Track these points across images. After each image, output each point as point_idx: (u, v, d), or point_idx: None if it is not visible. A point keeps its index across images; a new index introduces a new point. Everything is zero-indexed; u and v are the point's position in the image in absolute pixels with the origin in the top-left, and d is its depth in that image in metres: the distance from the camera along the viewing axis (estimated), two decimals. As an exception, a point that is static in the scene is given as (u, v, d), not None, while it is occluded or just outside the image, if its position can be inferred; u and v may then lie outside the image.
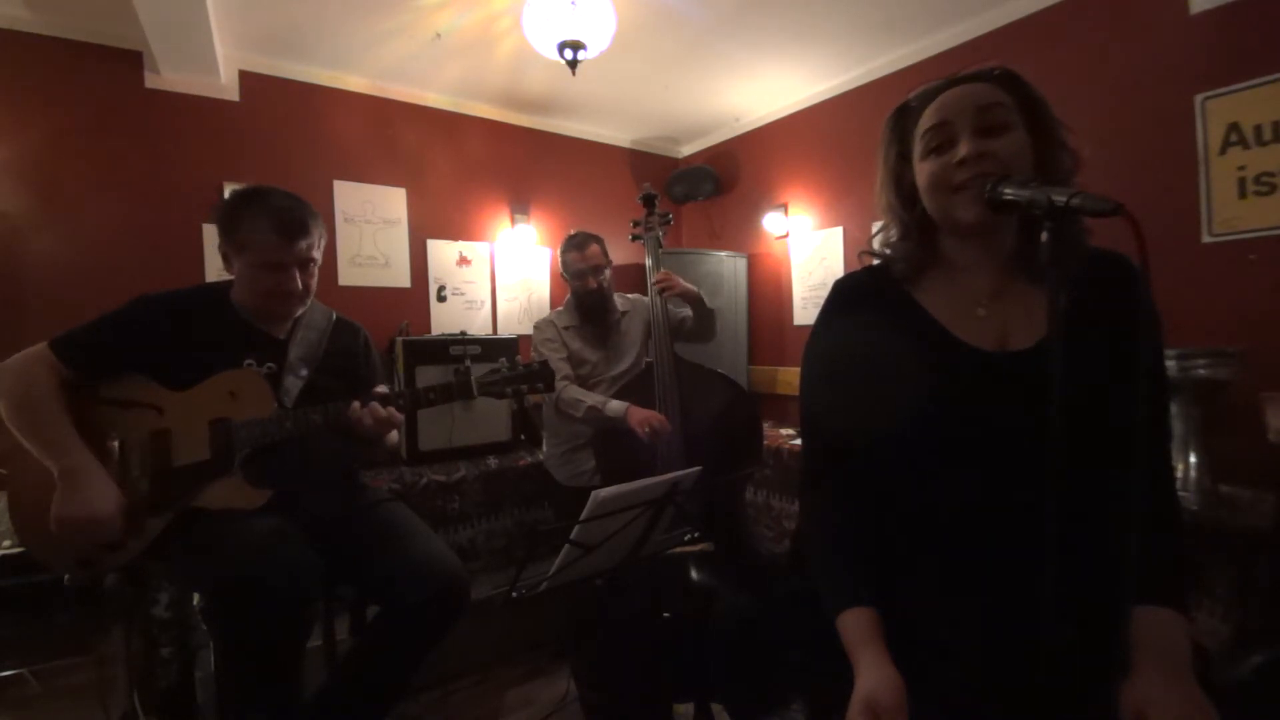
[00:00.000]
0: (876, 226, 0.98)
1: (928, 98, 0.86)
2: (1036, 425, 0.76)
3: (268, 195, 1.32)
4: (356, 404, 1.30)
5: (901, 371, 0.85)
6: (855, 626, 0.80)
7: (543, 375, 1.43)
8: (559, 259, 2.15)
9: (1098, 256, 0.82)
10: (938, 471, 0.83)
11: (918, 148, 0.86)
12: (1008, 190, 0.71)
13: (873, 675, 0.74)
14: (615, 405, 1.85)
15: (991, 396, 0.81)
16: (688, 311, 2.04)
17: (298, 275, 1.33)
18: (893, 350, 0.86)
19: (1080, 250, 0.81)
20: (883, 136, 0.93)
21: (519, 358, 1.53)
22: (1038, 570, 0.64)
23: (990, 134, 0.79)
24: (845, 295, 0.95)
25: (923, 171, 0.85)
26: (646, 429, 1.77)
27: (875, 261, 0.96)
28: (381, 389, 1.39)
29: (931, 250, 0.90)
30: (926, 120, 0.84)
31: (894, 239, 0.93)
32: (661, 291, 1.92)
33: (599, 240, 2.10)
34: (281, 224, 1.28)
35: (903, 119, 0.90)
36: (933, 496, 0.83)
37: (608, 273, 2.09)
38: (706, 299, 2.04)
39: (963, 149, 0.79)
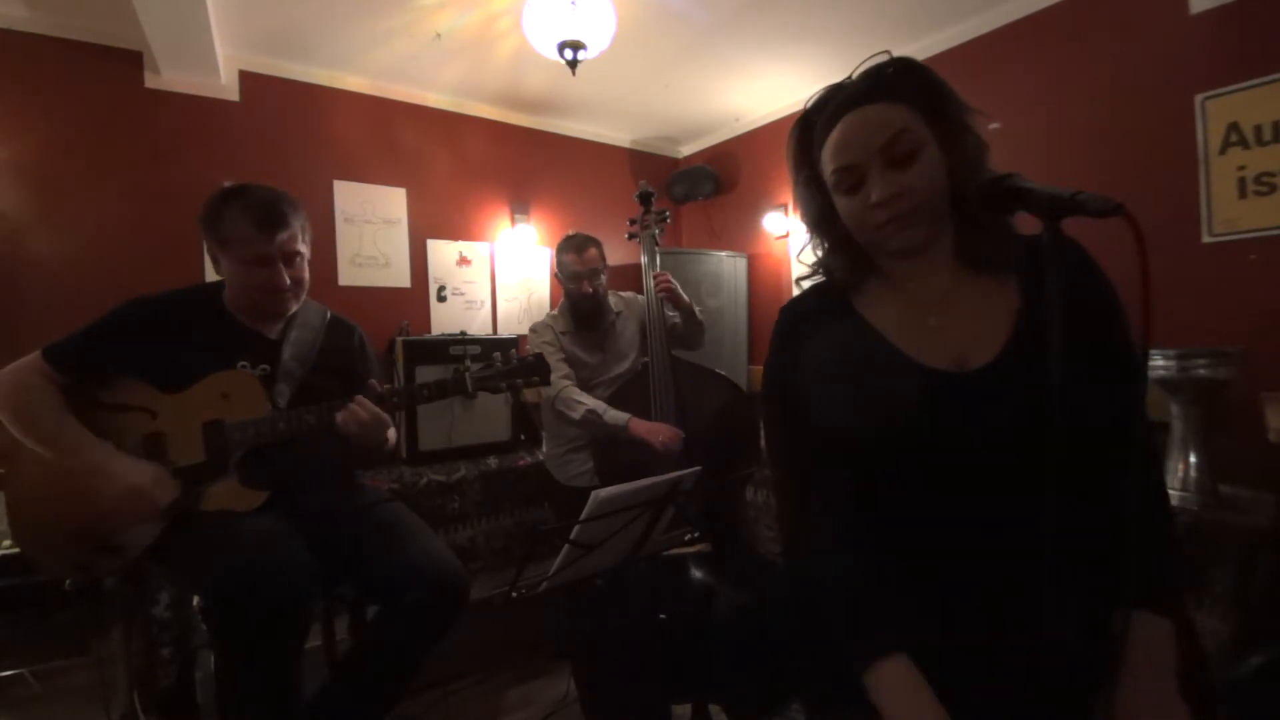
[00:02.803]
0: (805, 240, 0.92)
1: (830, 120, 0.80)
2: (1005, 440, 0.73)
3: (246, 191, 1.31)
4: (341, 417, 1.28)
5: (859, 398, 0.80)
6: (897, 690, 0.70)
7: (538, 368, 1.42)
8: (555, 259, 2.15)
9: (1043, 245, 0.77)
10: (909, 493, 0.79)
11: (829, 181, 0.82)
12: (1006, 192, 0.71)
13: None
14: (615, 414, 1.84)
15: (954, 419, 0.76)
16: (677, 319, 2.04)
17: (283, 269, 1.31)
18: (847, 375, 0.81)
19: (1014, 242, 0.78)
20: (788, 153, 0.87)
21: (514, 352, 1.52)
22: (1028, 582, 0.62)
23: (900, 165, 0.75)
24: (793, 320, 0.90)
25: (840, 207, 0.82)
26: (660, 437, 1.75)
27: (816, 279, 0.91)
28: (374, 385, 1.35)
29: (868, 260, 0.85)
30: (832, 158, 0.80)
31: (825, 252, 0.89)
32: (659, 291, 1.92)
33: (597, 244, 2.09)
34: (259, 217, 1.26)
35: (806, 136, 0.84)
36: (907, 517, 0.79)
37: (603, 277, 2.08)
38: (701, 308, 2.05)
39: (875, 194, 0.76)
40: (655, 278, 1.95)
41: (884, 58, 0.79)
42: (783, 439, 0.90)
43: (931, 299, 0.81)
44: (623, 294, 2.23)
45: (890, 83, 0.77)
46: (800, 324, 0.89)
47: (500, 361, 1.41)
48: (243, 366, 1.33)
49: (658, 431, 1.76)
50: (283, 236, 1.29)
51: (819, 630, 0.82)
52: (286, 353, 1.39)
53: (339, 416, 1.28)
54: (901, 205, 0.76)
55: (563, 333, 2.09)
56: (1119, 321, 0.77)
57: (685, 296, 2.00)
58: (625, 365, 2.11)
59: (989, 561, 0.75)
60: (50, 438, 1.20)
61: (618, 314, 2.15)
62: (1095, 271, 0.79)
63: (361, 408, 1.29)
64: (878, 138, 0.76)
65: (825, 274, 0.90)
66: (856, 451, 0.80)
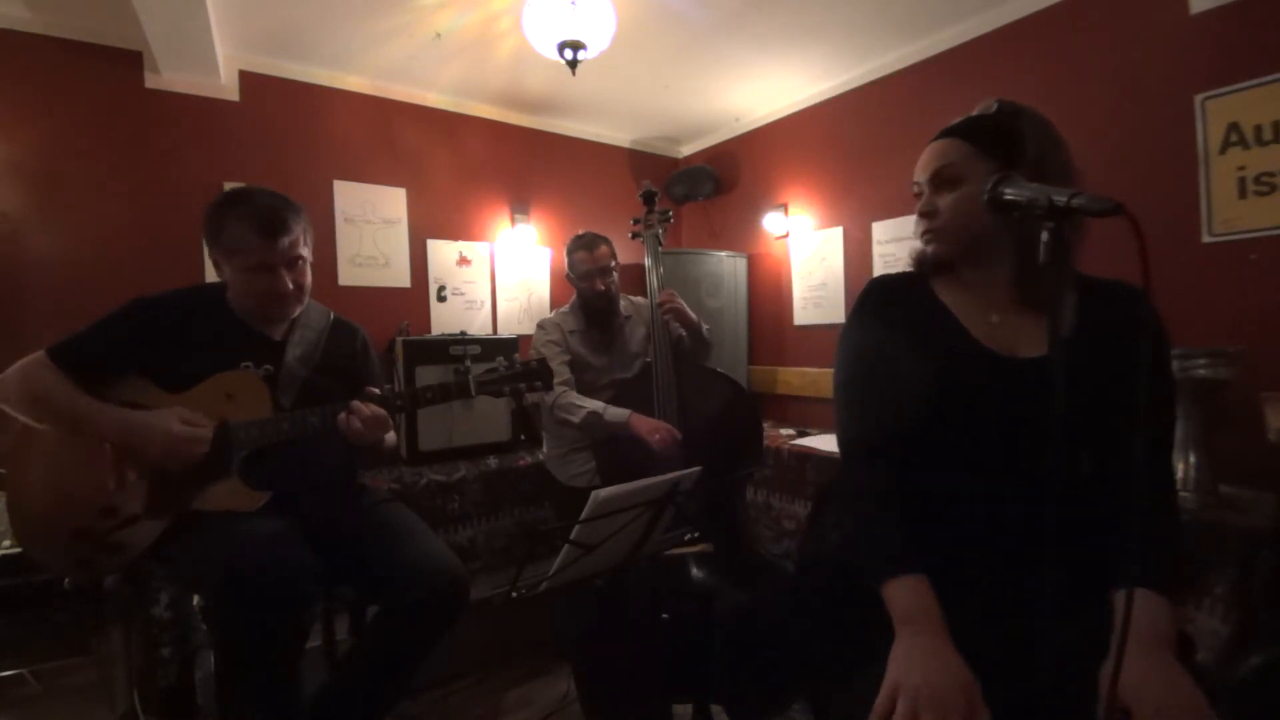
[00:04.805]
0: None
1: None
2: (1043, 429, 0.78)
3: (247, 196, 1.31)
4: (343, 417, 1.28)
5: (924, 368, 0.90)
6: (911, 597, 0.76)
7: (540, 373, 1.42)
8: (565, 259, 2.13)
9: (1102, 285, 0.87)
10: (950, 465, 0.87)
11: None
12: (1008, 191, 0.71)
13: (938, 668, 0.69)
14: (616, 412, 1.83)
15: (1001, 397, 0.85)
16: (683, 333, 2.01)
17: (285, 275, 1.31)
18: (918, 346, 0.92)
19: (1069, 268, 0.85)
20: None
21: (517, 356, 1.51)
22: (1037, 564, 0.64)
23: (940, 190, 0.92)
24: (879, 294, 1.03)
25: None
26: (657, 436, 1.74)
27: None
28: (373, 390, 1.36)
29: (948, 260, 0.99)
30: (915, 173, 0.98)
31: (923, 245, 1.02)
32: (663, 309, 1.89)
33: (608, 241, 2.08)
34: (261, 225, 1.27)
35: None
36: (946, 490, 0.86)
37: (615, 275, 2.07)
38: (708, 329, 2.02)
39: (919, 206, 0.95)
40: (661, 295, 1.92)
41: (993, 106, 0.93)
42: (851, 398, 1.00)
43: (992, 303, 0.93)
44: (633, 299, 2.22)
45: (968, 125, 0.93)
46: (886, 297, 1.02)
47: (504, 366, 1.41)
48: (246, 367, 1.34)
49: (656, 430, 1.76)
50: (285, 243, 1.29)
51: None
52: (290, 354, 1.39)
53: (341, 417, 1.28)
54: (932, 222, 0.93)
55: (571, 332, 2.07)
56: (1158, 344, 0.85)
57: (692, 315, 1.95)
58: (632, 371, 2.10)
59: (1009, 534, 0.81)
60: (69, 412, 1.21)
61: (627, 318, 2.14)
62: (1141, 302, 0.85)
63: (363, 409, 1.29)
64: (931, 165, 0.94)
65: (914, 260, 1.03)
66: (916, 416, 0.89)
